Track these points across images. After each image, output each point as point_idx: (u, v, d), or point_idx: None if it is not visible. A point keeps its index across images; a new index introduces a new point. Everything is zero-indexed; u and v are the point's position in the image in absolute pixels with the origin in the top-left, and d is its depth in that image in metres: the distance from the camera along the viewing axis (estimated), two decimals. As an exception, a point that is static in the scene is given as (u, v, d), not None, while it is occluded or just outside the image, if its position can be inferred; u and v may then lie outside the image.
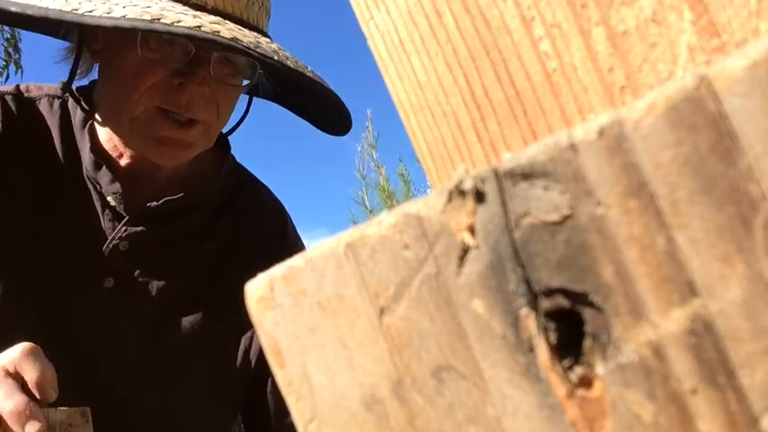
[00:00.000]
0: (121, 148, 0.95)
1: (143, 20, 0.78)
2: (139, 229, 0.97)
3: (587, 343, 0.21)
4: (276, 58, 0.85)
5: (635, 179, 0.20)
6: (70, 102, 0.99)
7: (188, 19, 0.80)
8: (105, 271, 0.96)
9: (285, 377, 0.26)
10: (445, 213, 0.23)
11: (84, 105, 0.97)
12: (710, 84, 0.19)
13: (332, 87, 0.97)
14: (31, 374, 0.67)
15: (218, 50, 0.87)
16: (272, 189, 1.16)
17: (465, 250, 0.22)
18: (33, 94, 1.00)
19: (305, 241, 1.18)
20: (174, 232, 1.00)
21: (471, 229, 0.22)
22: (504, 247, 0.22)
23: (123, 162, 0.96)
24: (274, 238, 1.10)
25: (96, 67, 0.98)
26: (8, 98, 0.97)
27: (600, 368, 0.21)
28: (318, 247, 0.26)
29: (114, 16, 0.78)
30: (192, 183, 1.01)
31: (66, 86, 0.96)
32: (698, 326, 0.19)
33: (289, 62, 0.88)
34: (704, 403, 0.19)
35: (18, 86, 1.00)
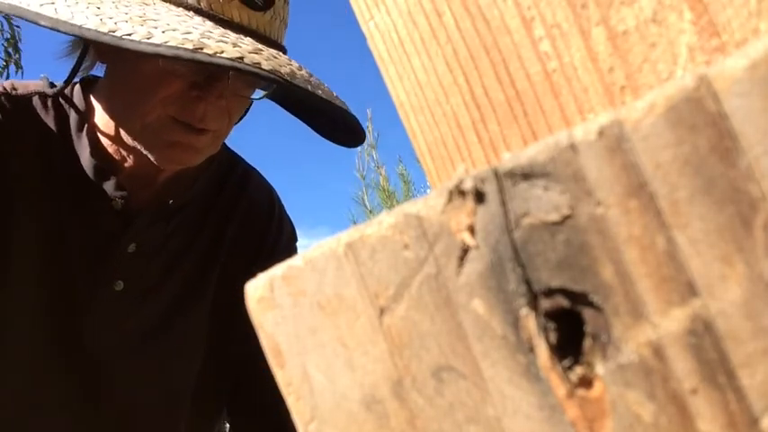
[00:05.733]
0: (124, 151, 0.95)
1: (185, 48, 0.76)
2: (148, 229, 0.98)
3: (587, 343, 0.21)
4: (310, 88, 0.86)
5: (635, 179, 0.20)
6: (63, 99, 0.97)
7: (228, 48, 0.79)
8: (115, 274, 0.96)
9: (285, 377, 0.26)
10: (445, 213, 0.23)
11: (77, 106, 0.96)
12: (710, 84, 0.19)
13: (348, 109, 0.96)
14: None
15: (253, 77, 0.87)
16: (268, 181, 1.19)
17: (465, 250, 0.22)
18: (21, 91, 0.97)
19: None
20: (176, 228, 1.02)
21: (471, 229, 0.22)
22: (504, 247, 0.22)
23: (125, 164, 0.96)
24: (264, 220, 1.13)
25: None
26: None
27: (600, 368, 0.21)
28: (318, 247, 0.26)
29: (155, 42, 0.76)
30: (187, 176, 1.02)
31: (65, 86, 0.95)
32: (698, 326, 0.19)
33: (320, 92, 0.89)
34: (704, 403, 0.19)
35: (2, 85, 0.97)
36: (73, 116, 0.96)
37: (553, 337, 0.22)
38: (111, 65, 0.95)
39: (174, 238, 1.02)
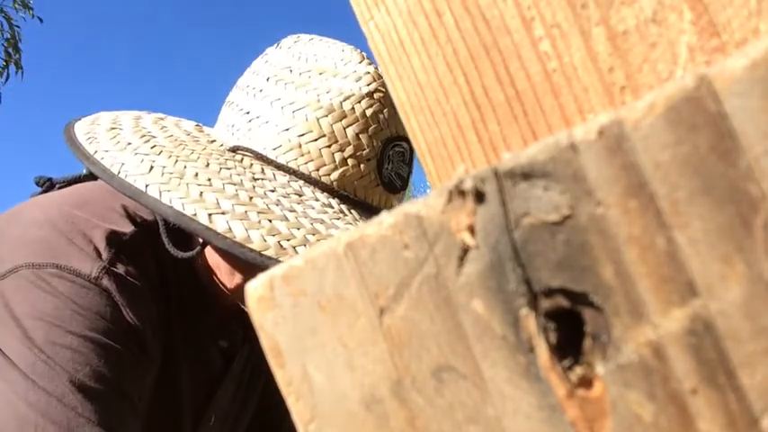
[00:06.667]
0: (220, 291, 0.88)
1: None
2: (241, 366, 0.96)
3: (587, 343, 0.21)
4: None
5: (635, 179, 0.20)
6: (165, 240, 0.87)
7: None
8: (211, 410, 0.95)
9: (285, 377, 0.26)
10: (445, 213, 0.23)
11: (182, 255, 0.86)
12: (710, 84, 0.19)
13: None
14: None
15: None
16: None
17: (465, 250, 0.22)
18: (144, 219, 0.85)
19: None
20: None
21: (471, 229, 0.22)
22: (504, 247, 0.22)
23: (226, 302, 0.90)
24: None
25: None
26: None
27: (600, 368, 0.21)
28: (318, 247, 0.26)
29: None
30: None
31: (195, 254, 0.83)
32: (698, 326, 0.19)
33: None
34: (704, 403, 0.19)
35: (126, 212, 0.84)
36: (183, 263, 0.88)
37: (553, 337, 0.22)
38: None
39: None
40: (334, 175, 0.80)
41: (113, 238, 0.80)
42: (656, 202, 0.20)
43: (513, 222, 0.22)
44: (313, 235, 0.74)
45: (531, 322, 0.22)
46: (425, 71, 0.33)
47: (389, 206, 0.86)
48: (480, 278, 0.22)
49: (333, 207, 0.79)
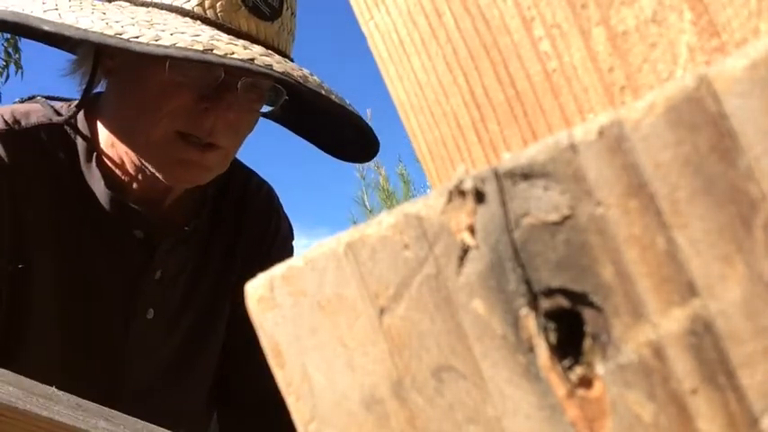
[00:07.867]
0: (132, 172, 0.92)
1: (195, 50, 0.74)
2: (170, 255, 0.97)
3: (587, 343, 0.21)
4: (323, 93, 0.84)
5: (635, 179, 0.20)
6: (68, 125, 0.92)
7: (239, 50, 0.77)
8: (146, 303, 0.96)
9: (285, 377, 0.26)
10: (445, 213, 0.23)
11: (84, 134, 0.92)
12: (710, 84, 0.19)
13: (362, 116, 0.94)
14: None
15: (250, 77, 0.84)
16: (264, 180, 1.17)
17: (465, 250, 0.22)
18: (25, 123, 0.91)
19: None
20: (193, 248, 1.01)
21: (471, 229, 0.22)
22: (504, 247, 0.22)
23: (134, 186, 0.93)
24: (264, 227, 1.11)
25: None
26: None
27: (600, 368, 0.21)
28: (318, 247, 0.26)
29: (164, 44, 0.74)
30: (195, 194, 1.00)
31: (76, 112, 0.90)
32: (698, 326, 0.19)
33: (333, 97, 0.87)
34: (704, 403, 0.19)
35: (3, 118, 0.90)
36: (80, 144, 0.92)
37: (553, 337, 0.22)
38: (115, 82, 0.91)
39: (191, 259, 1.01)
40: (194, 2, 0.86)
41: (13, 114, 0.89)
42: (656, 202, 0.20)
43: (513, 222, 0.22)
44: (149, 23, 0.78)
45: (531, 322, 0.22)
46: (425, 71, 0.33)
47: (264, 35, 0.88)
48: (480, 278, 0.22)
49: (188, 23, 0.83)
